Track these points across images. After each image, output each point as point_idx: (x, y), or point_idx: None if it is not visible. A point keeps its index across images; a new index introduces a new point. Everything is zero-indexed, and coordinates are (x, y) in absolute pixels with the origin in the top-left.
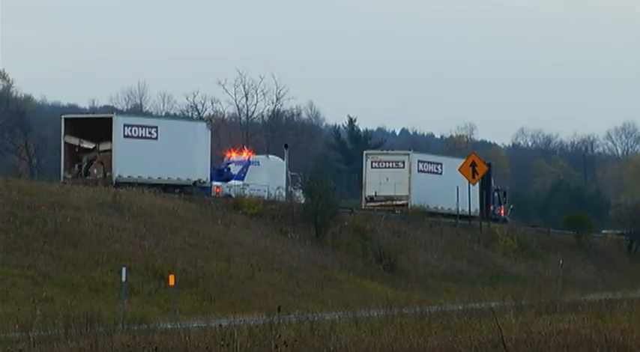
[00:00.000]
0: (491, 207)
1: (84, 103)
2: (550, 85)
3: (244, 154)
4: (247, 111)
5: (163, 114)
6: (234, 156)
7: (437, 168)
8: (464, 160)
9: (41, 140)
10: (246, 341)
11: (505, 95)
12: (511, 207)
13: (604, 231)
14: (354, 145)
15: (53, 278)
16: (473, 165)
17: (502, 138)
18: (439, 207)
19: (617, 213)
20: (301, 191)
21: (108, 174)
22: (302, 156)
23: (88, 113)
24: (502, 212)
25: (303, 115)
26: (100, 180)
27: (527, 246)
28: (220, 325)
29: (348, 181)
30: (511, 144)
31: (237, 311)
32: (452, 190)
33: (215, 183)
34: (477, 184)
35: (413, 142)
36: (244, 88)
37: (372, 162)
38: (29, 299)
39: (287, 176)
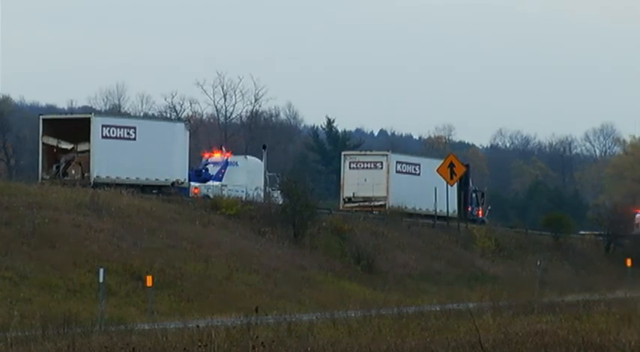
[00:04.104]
0: (470, 208)
1: (62, 104)
2: (528, 86)
3: (222, 155)
4: (226, 112)
5: (142, 114)
6: (212, 156)
7: (415, 169)
8: (442, 161)
9: (19, 140)
10: (224, 342)
11: (483, 96)
12: (489, 207)
13: (582, 232)
14: (332, 146)
15: (31, 278)
16: (451, 166)
17: (480, 139)
18: (417, 208)
19: (595, 214)
20: (279, 192)
21: (86, 174)
22: (280, 157)
23: (66, 114)
24: (480, 213)
25: (282, 116)
26: (78, 180)
27: (505, 246)
28: (198, 326)
29: (327, 182)
30: (489, 145)
31: (215, 311)
32: (430, 191)
33: (193, 184)
34: (455, 185)
35: (391, 143)
36: (223, 89)
37: (350, 163)
38: (7, 300)
39: (265, 177)
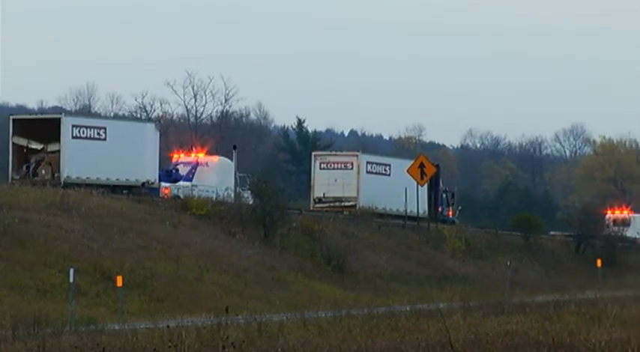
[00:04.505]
0: (440, 209)
1: (32, 104)
2: (498, 86)
3: (193, 155)
4: (196, 112)
5: (112, 115)
6: (182, 157)
7: (385, 170)
8: (412, 161)
9: None
10: (194, 342)
11: (453, 97)
12: (459, 208)
13: (552, 233)
14: (302, 146)
15: (1, 279)
16: (421, 166)
17: (451, 139)
18: (388, 209)
19: (565, 215)
20: (250, 192)
21: (56, 174)
22: (251, 157)
23: (36, 114)
24: (450, 213)
25: (252, 116)
26: (48, 180)
27: (476, 247)
28: (168, 326)
29: (297, 182)
30: (459, 146)
31: (185, 312)
32: (400, 191)
33: (163, 184)
34: (426, 185)
35: (362, 143)
36: (193, 89)
37: (320, 163)
38: None
39: (235, 177)
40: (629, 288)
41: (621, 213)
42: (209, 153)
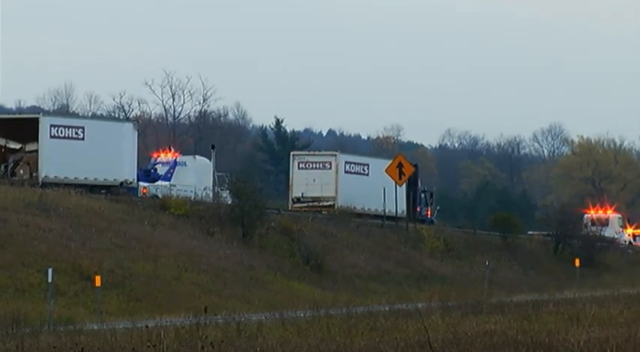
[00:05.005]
0: (418, 208)
1: (10, 104)
2: (477, 86)
3: (171, 155)
4: (174, 111)
5: (90, 114)
6: (161, 156)
7: (364, 169)
8: (391, 161)
9: None
10: (173, 342)
11: (432, 96)
12: (438, 208)
13: (530, 232)
14: (281, 146)
15: None
16: (400, 166)
17: (429, 139)
18: (366, 208)
19: (543, 214)
20: (228, 192)
21: (34, 174)
22: (229, 157)
23: (14, 113)
24: (429, 213)
25: (230, 116)
26: (26, 180)
27: (454, 247)
28: (147, 326)
29: (275, 182)
30: (438, 146)
31: (164, 311)
32: (379, 191)
33: (142, 184)
34: (404, 185)
35: (340, 143)
36: (171, 89)
37: (299, 163)
38: None
39: (214, 177)
40: (608, 288)
41: (602, 212)
42: (187, 152)
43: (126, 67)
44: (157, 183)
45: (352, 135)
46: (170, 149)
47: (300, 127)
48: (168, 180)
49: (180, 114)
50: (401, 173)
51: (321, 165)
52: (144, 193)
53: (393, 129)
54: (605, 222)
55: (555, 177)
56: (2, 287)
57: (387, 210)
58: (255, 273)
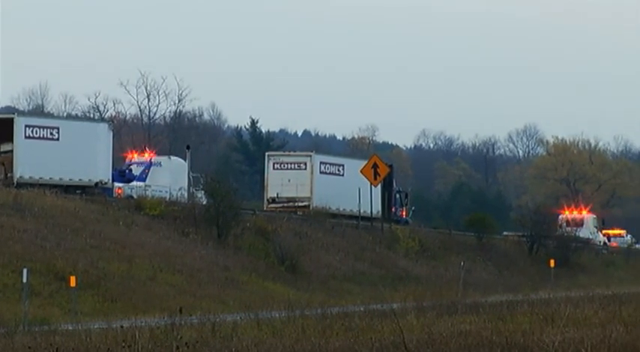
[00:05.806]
0: (393, 209)
1: None
2: (451, 87)
3: (146, 155)
4: (149, 112)
5: (65, 115)
6: (136, 157)
7: (339, 170)
8: (366, 162)
9: None
10: (148, 342)
11: (407, 97)
12: (413, 208)
13: (505, 233)
14: (256, 147)
15: None
16: (375, 166)
17: (404, 139)
18: (341, 209)
19: (518, 215)
20: (203, 192)
21: (9, 174)
22: (204, 158)
23: None
24: (404, 213)
25: (205, 117)
26: (1, 180)
27: (429, 247)
28: (122, 326)
29: (250, 183)
30: (413, 146)
31: (139, 312)
32: (354, 192)
33: (117, 184)
34: (379, 186)
35: (315, 144)
36: (146, 89)
37: (274, 164)
38: None
39: (189, 177)
40: (582, 288)
41: (577, 213)
42: (162, 153)
43: (101, 68)
44: (131, 183)
45: (327, 135)
46: (145, 149)
47: (275, 128)
48: (143, 180)
49: (155, 114)
50: (376, 173)
51: (296, 166)
52: (119, 193)
53: (368, 129)
54: (579, 223)
55: (530, 177)
56: None
57: (362, 211)
58: (230, 274)
